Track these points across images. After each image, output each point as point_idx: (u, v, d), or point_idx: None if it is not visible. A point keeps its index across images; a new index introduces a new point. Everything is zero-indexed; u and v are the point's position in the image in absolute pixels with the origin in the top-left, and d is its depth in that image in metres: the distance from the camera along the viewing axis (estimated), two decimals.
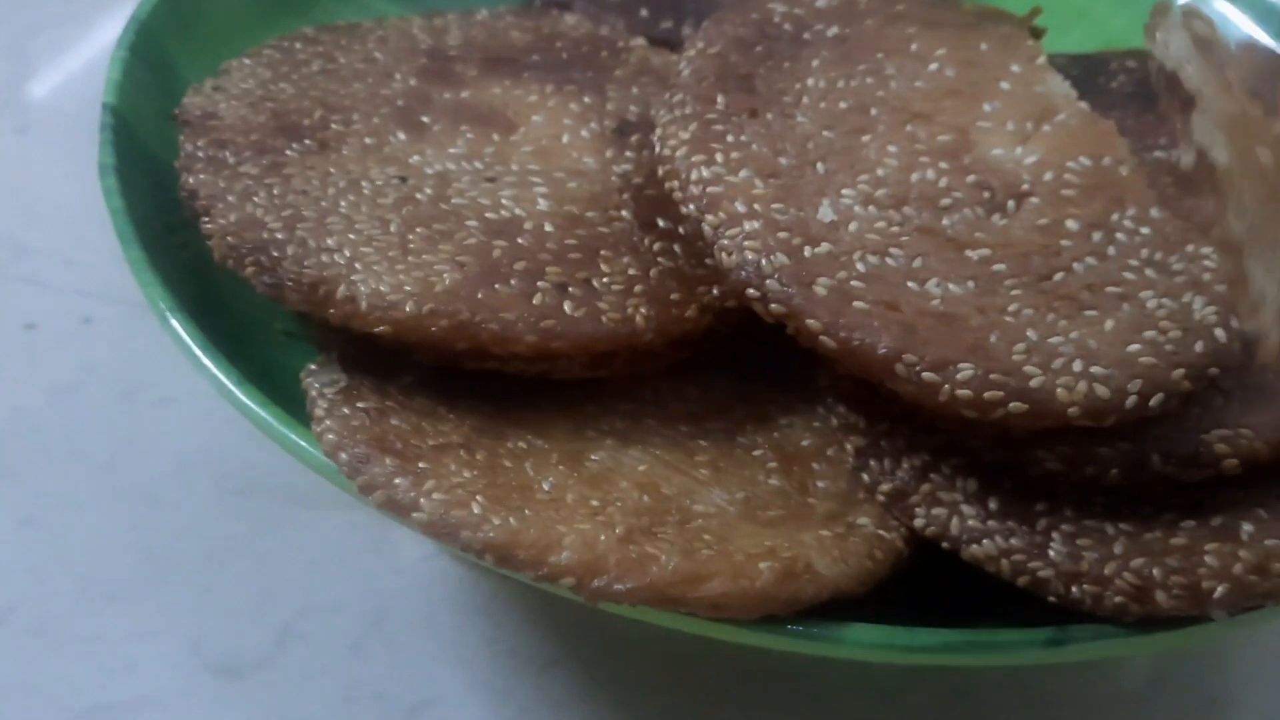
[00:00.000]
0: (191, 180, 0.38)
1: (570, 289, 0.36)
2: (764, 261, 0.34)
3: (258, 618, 0.43)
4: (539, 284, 0.36)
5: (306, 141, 0.40)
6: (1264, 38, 0.49)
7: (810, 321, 0.33)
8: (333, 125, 0.40)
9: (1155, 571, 0.31)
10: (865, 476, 0.35)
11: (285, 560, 0.45)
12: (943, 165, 0.37)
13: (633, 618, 0.32)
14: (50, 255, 0.55)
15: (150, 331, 0.38)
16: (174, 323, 0.37)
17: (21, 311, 0.52)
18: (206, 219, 0.37)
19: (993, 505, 0.33)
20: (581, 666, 0.42)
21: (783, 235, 0.35)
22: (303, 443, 0.34)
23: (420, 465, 0.33)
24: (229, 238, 0.36)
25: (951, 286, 0.34)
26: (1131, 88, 0.47)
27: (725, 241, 0.35)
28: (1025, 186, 0.37)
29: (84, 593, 0.43)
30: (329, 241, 0.35)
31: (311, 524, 0.45)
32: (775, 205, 0.36)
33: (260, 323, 0.41)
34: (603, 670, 0.42)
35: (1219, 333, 0.33)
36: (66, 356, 0.51)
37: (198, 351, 0.36)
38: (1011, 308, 0.33)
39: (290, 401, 0.35)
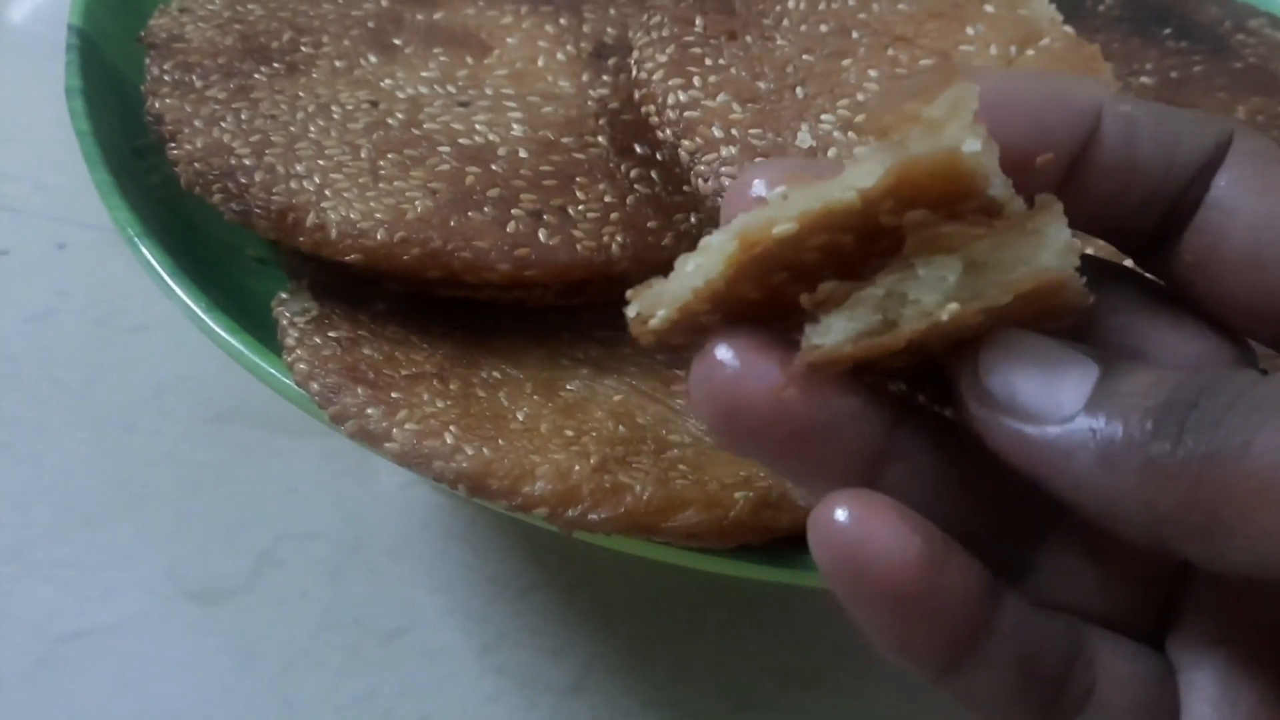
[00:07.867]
0: (158, 104, 0.37)
1: (545, 216, 0.35)
2: None
3: (235, 544, 0.43)
4: (513, 211, 0.35)
5: (275, 64, 0.39)
6: None
7: None
8: (302, 47, 0.39)
9: None
10: None
11: (263, 487, 0.44)
12: None
13: (608, 547, 0.32)
14: (23, 180, 0.54)
15: (124, 258, 0.37)
16: (142, 248, 0.36)
17: None
18: (173, 144, 0.36)
19: None
20: (559, 592, 0.42)
21: None
22: (274, 371, 0.34)
23: (393, 395, 0.32)
24: (196, 163, 0.35)
25: None
26: (1118, 11, 0.46)
27: (702, 167, 0.34)
28: None
29: (60, 519, 0.43)
30: (298, 168, 0.35)
31: (289, 451, 0.45)
32: (753, 130, 0.35)
33: (232, 248, 0.40)
34: (580, 596, 0.42)
35: None
36: (40, 283, 0.50)
37: (166, 277, 0.35)
38: None
39: (262, 328, 0.35)
